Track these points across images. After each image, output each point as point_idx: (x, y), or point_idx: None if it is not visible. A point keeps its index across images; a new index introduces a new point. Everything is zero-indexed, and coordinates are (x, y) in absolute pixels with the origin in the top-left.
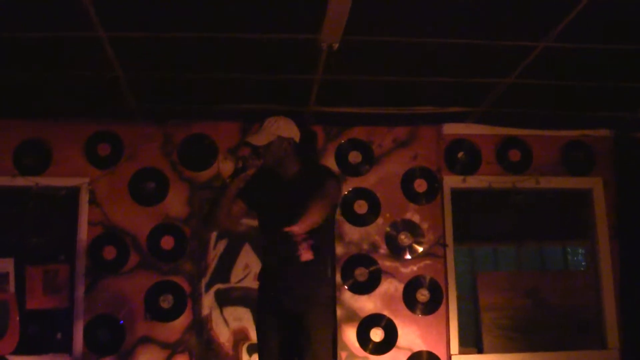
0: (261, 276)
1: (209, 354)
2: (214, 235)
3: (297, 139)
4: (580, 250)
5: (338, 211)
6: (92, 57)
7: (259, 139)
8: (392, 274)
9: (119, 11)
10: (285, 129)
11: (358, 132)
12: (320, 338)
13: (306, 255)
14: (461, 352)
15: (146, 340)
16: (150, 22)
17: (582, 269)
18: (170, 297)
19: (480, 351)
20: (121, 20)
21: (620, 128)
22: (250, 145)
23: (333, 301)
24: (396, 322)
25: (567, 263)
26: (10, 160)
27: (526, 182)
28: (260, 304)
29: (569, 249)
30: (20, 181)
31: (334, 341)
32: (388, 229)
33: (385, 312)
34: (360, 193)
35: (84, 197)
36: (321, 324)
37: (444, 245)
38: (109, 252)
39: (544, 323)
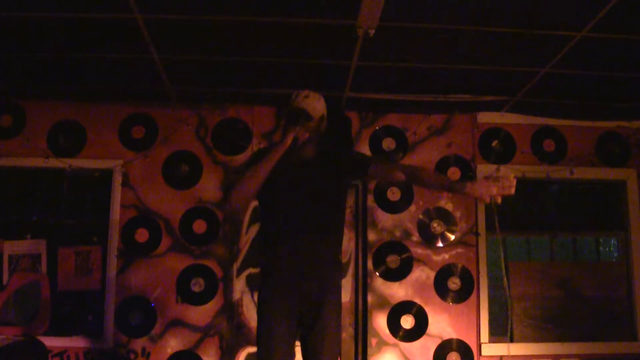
0: (271, 257)
1: (239, 338)
2: (246, 219)
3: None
4: (612, 242)
5: (370, 198)
6: (127, 39)
7: (315, 110)
8: (424, 262)
9: None
10: (325, 109)
11: (393, 119)
12: (335, 329)
13: None
14: (491, 341)
15: (177, 323)
16: (186, 4)
17: (614, 260)
18: (201, 281)
19: (510, 340)
20: (157, 3)
21: None
22: (301, 114)
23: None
24: (427, 309)
25: (600, 254)
26: (45, 141)
27: (560, 173)
28: (269, 286)
29: (601, 240)
30: (54, 162)
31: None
32: (421, 216)
33: (416, 300)
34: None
35: (117, 179)
36: (336, 314)
37: (477, 234)
38: (142, 235)
39: (575, 314)
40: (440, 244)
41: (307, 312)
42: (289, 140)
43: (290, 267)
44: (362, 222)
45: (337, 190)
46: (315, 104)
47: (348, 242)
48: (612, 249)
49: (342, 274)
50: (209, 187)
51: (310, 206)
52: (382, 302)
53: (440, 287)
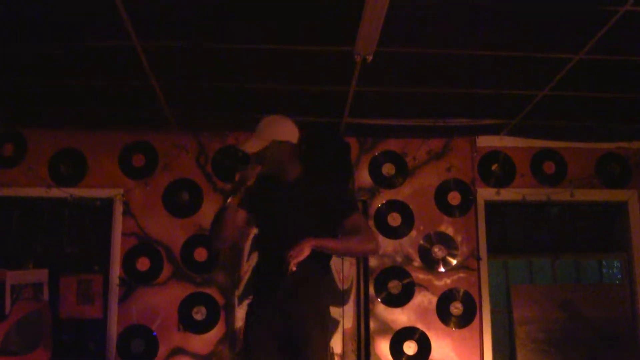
0: (258, 279)
1: None
2: (247, 246)
3: (295, 140)
4: (615, 263)
5: (371, 223)
6: (127, 66)
7: (252, 146)
8: (426, 287)
9: (154, 21)
10: (281, 132)
11: (392, 144)
12: (323, 355)
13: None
14: None
15: (179, 351)
16: (185, 32)
17: (617, 282)
18: (203, 309)
19: None
20: (156, 30)
21: None
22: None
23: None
24: (429, 335)
25: (602, 276)
26: (46, 170)
27: (561, 195)
28: (255, 307)
29: (604, 262)
30: (56, 192)
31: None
32: (422, 241)
33: (419, 325)
34: (393, 205)
35: (118, 208)
36: (324, 338)
37: (478, 258)
38: (143, 263)
39: (578, 337)
40: (441, 269)
41: (291, 335)
42: (226, 204)
43: (274, 288)
44: None
45: (320, 217)
46: (263, 134)
47: (349, 268)
48: (615, 270)
49: (339, 299)
50: (209, 214)
51: (293, 229)
52: (384, 328)
53: (443, 312)
